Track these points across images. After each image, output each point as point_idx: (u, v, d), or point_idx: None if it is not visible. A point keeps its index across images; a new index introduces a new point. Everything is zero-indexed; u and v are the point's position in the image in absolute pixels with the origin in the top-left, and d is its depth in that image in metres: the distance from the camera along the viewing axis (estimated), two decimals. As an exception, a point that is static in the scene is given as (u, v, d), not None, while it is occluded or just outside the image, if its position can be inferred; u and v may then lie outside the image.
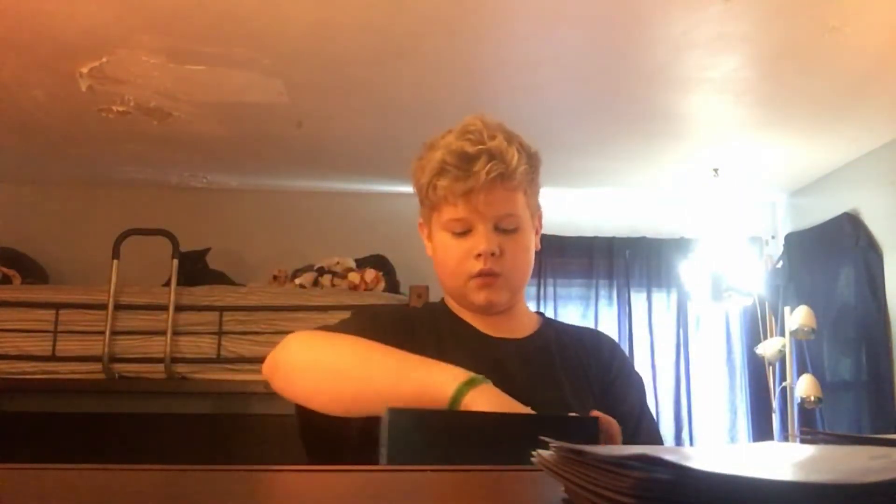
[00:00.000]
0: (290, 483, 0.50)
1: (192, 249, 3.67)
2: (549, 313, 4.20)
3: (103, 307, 3.31)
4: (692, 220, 4.21)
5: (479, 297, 1.11)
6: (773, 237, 4.32)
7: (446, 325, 1.15)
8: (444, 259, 1.13)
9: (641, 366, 4.16)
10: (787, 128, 3.33)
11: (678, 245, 4.22)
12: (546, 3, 2.36)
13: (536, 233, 1.19)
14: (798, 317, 3.45)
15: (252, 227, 4.27)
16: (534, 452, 0.41)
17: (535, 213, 1.18)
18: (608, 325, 4.23)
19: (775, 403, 3.85)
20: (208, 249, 3.85)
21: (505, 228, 1.09)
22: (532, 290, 4.24)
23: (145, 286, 3.51)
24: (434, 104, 3.00)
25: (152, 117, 3.23)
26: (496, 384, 1.04)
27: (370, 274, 3.66)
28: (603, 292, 4.28)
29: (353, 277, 3.65)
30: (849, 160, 3.70)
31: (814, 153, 3.64)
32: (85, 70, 2.81)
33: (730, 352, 4.26)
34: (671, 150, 3.61)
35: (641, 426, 1.14)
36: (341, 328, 1.06)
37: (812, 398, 3.38)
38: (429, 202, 1.12)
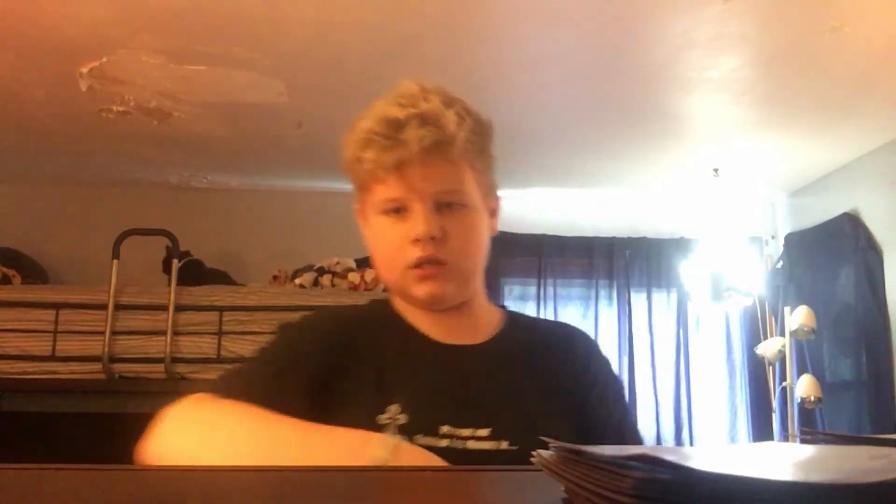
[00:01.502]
0: (288, 483, 0.50)
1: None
2: (549, 313, 4.22)
3: (103, 307, 3.31)
4: (692, 220, 4.22)
5: (421, 290, 0.94)
6: (773, 237, 4.32)
7: (391, 333, 0.99)
8: (379, 247, 0.97)
9: (641, 366, 4.16)
10: (787, 128, 3.33)
11: (678, 245, 4.22)
12: (546, 3, 2.36)
13: (493, 214, 1.02)
14: (798, 317, 3.45)
15: (252, 227, 4.27)
16: (534, 453, 0.40)
17: (490, 191, 1.01)
18: (608, 325, 4.23)
19: (775, 403, 3.85)
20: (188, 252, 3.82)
21: (448, 208, 0.93)
22: (532, 290, 4.24)
23: (145, 286, 3.51)
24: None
25: (152, 117, 3.23)
26: (449, 401, 0.91)
27: (370, 274, 3.66)
28: (603, 292, 4.28)
29: (353, 277, 3.65)
30: (849, 160, 3.70)
31: (814, 153, 3.65)
32: (85, 70, 2.81)
33: (730, 352, 4.26)
34: (671, 150, 3.61)
35: (624, 430, 1.00)
36: (253, 370, 0.93)
37: (812, 398, 3.38)
38: (358, 181, 0.97)
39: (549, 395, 0.95)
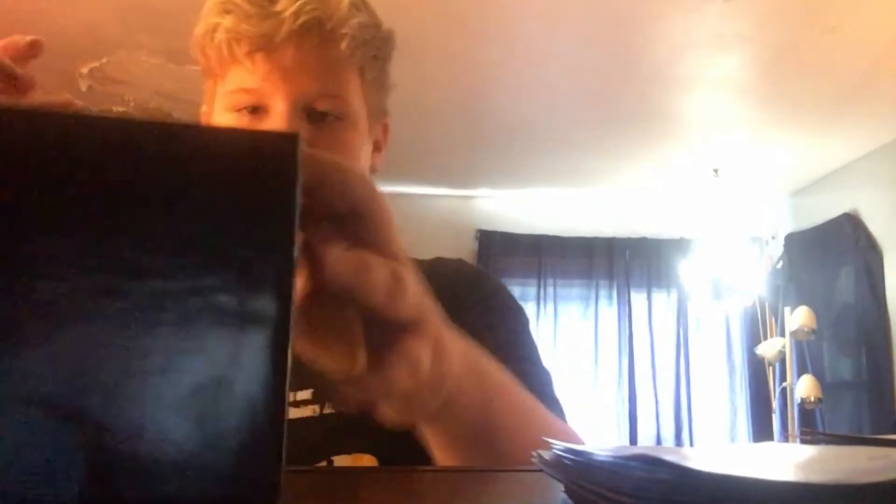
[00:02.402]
0: (285, 484, 0.50)
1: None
2: (549, 313, 4.23)
3: (103, 307, 3.31)
4: (692, 220, 4.22)
5: None
6: (773, 237, 4.33)
7: None
8: None
9: (641, 366, 4.16)
10: (787, 128, 3.34)
11: (678, 245, 4.22)
12: (546, 3, 2.36)
13: (377, 148, 0.80)
14: (798, 317, 3.45)
15: (252, 227, 4.27)
16: (534, 452, 0.40)
17: (378, 115, 0.78)
18: (608, 325, 4.23)
19: (775, 404, 3.86)
20: None
21: (320, 119, 0.70)
22: (532, 291, 4.24)
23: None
24: (434, 104, 3.00)
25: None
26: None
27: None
28: (603, 292, 4.28)
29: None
30: (849, 160, 3.71)
31: (814, 153, 3.65)
32: (85, 70, 2.81)
33: (730, 352, 4.27)
34: (671, 150, 3.61)
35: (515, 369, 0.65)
36: None
37: (812, 398, 3.38)
38: (207, 64, 0.73)
39: None
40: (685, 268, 4.03)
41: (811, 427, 3.60)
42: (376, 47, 0.75)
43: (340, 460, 0.68)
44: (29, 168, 0.25)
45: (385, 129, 0.82)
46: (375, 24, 0.75)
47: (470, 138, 3.37)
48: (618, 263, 4.29)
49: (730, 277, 3.78)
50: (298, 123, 0.68)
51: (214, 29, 0.69)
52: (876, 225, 3.55)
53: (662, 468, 0.28)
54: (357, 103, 0.72)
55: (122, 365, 0.24)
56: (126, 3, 2.38)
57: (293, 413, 0.66)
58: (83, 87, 2.92)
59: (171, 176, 0.27)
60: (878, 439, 0.43)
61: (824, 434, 0.51)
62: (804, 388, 3.42)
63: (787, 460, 0.35)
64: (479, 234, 4.28)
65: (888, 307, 3.44)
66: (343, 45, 0.69)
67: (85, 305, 0.24)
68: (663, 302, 4.31)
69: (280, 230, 0.27)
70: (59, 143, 0.26)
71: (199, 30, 0.72)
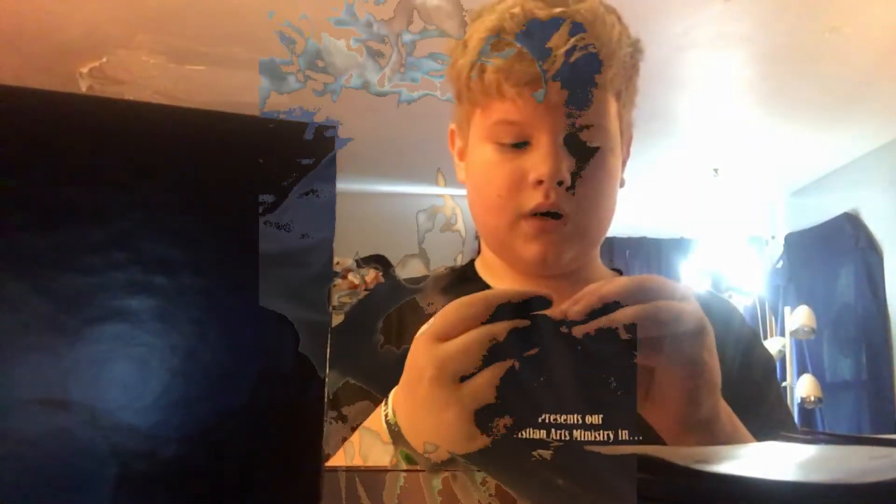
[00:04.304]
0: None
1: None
2: (549, 313, 4.22)
3: (103, 307, 3.31)
4: (692, 220, 4.22)
5: (530, 250, 0.70)
6: (773, 237, 4.33)
7: None
8: (483, 185, 0.72)
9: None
10: (788, 127, 3.33)
11: (678, 245, 4.22)
12: (546, 2, 2.36)
13: (623, 164, 0.78)
14: (798, 317, 3.45)
15: (252, 227, 4.27)
16: (534, 452, 0.40)
17: (627, 135, 0.79)
18: (608, 325, 4.23)
19: (775, 403, 3.86)
20: None
21: (582, 146, 0.69)
22: (532, 290, 4.25)
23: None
24: (434, 104, 3.00)
25: (152, 117, 3.24)
26: (545, 383, 0.63)
27: (370, 274, 3.67)
28: (603, 292, 4.28)
29: (353, 278, 3.66)
30: (849, 160, 3.70)
31: (814, 153, 3.65)
32: (85, 70, 2.81)
33: (730, 352, 4.27)
34: (671, 149, 3.61)
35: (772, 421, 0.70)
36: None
37: (812, 398, 3.38)
38: (469, 95, 0.71)
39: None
40: (685, 268, 4.03)
41: (811, 427, 3.60)
42: (633, 67, 0.76)
43: None
44: (57, 157, 0.23)
45: (629, 142, 0.81)
46: (633, 43, 0.75)
47: (470, 138, 3.37)
48: (618, 263, 4.28)
49: (730, 277, 3.78)
50: (563, 156, 0.68)
51: (483, 67, 0.68)
52: (876, 225, 3.55)
53: (663, 468, 0.28)
54: (614, 128, 0.73)
55: (151, 363, 0.22)
56: (126, 3, 2.38)
57: (583, 435, 0.68)
58: (83, 87, 2.92)
59: (200, 164, 0.25)
60: (878, 439, 0.43)
61: (824, 434, 0.51)
62: (804, 387, 3.42)
63: (787, 460, 0.35)
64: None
65: (888, 307, 3.44)
66: (608, 76, 0.69)
67: (113, 300, 0.22)
68: (663, 302, 4.31)
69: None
70: (89, 128, 0.24)
71: (462, 60, 0.70)
